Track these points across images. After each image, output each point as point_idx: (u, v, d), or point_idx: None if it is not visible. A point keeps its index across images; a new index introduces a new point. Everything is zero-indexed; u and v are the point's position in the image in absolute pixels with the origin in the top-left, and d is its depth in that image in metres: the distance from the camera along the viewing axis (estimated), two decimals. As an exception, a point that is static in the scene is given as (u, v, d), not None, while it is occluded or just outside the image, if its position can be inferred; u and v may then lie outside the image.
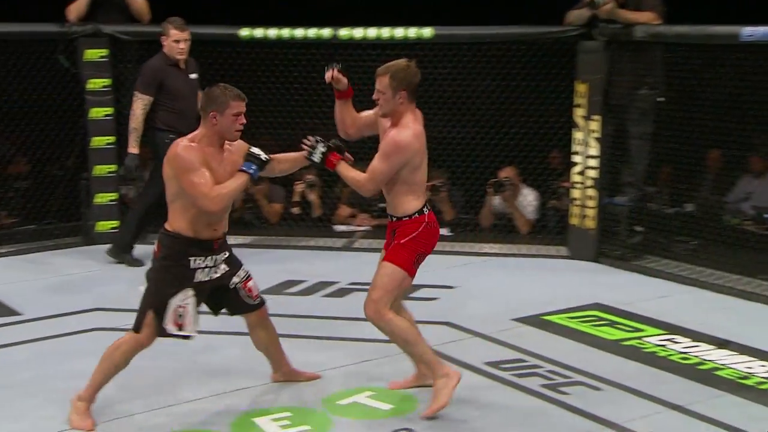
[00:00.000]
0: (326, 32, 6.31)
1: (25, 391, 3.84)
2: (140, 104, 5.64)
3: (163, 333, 3.42)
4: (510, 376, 4.04)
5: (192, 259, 3.43)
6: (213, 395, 3.78)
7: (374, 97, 3.50)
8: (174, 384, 3.89)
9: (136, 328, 3.43)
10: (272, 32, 6.33)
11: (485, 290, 5.44)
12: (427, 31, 6.21)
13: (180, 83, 5.69)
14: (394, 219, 3.57)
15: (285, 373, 3.88)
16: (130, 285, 5.59)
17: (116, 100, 6.44)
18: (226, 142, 3.45)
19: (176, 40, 5.61)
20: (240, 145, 3.50)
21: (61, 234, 6.62)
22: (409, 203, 3.53)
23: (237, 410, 3.65)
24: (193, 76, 5.79)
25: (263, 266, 5.95)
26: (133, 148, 5.72)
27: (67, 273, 5.80)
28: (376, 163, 3.45)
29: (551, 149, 6.66)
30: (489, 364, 4.17)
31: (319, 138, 3.58)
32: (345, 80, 3.65)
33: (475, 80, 6.52)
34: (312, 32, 6.33)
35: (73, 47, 6.35)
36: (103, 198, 6.44)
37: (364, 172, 3.53)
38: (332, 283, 5.59)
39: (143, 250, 5.82)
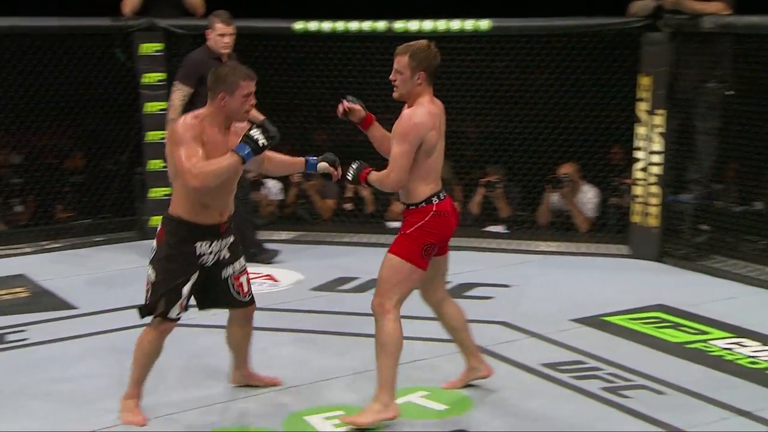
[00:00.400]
0: (381, 25, 6.25)
1: (79, 385, 3.85)
2: (179, 95, 5.60)
3: (167, 318, 3.35)
4: (568, 378, 3.92)
5: (198, 244, 3.33)
6: (263, 393, 3.74)
7: (391, 77, 3.38)
8: (222, 381, 3.85)
9: (152, 316, 3.35)
10: (326, 25, 6.30)
11: (542, 289, 5.33)
12: (484, 24, 6.10)
13: None
14: (405, 206, 3.47)
15: (245, 376, 3.76)
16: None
17: (169, 95, 6.48)
18: (234, 123, 3.34)
19: (221, 34, 5.56)
20: (246, 127, 3.36)
21: (115, 228, 6.69)
22: (419, 190, 3.39)
23: (289, 408, 3.61)
24: None
25: (315, 262, 5.97)
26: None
27: (121, 267, 5.85)
28: (395, 148, 3.33)
29: (612, 145, 6.51)
30: (546, 365, 4.06)
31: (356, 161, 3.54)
32: (359, 108, 3.55)
33: (534, 74, 6.41)
34: (367, 25, 6.28)
35: (128, 41, 6.42)
36: (157, 192, 6.48)
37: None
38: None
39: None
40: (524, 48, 6.27)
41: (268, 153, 3.45)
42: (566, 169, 6.43)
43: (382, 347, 3.37)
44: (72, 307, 4.98)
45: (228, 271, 3.47)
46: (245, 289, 3.52)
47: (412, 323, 4.60)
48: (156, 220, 6.51)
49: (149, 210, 6.51)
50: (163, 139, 6.49)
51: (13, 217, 7.17)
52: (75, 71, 6.48)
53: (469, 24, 6.11)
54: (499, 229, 6.76)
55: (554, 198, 6.56)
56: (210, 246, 3.36)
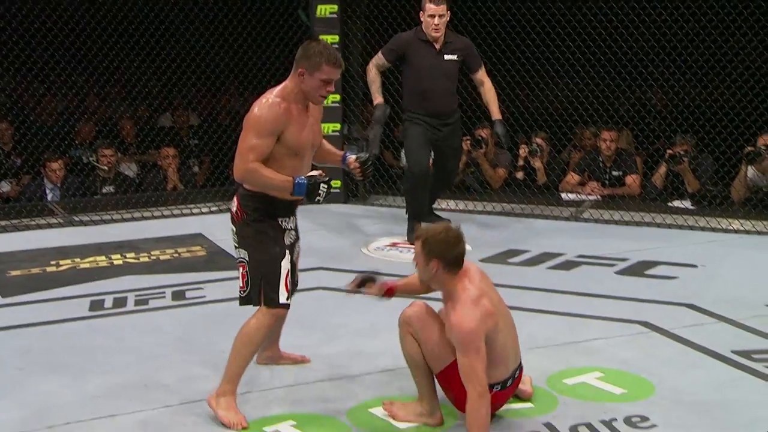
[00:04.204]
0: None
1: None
2: (373, 61, 5.58)
3: (275, 304, 3.22)
4: (763, 367, 3.69)
5: (280, 219, 3.24)
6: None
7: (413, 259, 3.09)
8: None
9: (257, 303, 3.24)
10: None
11: (734, 271, 5.06)
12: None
13: (426, 62, 5.41)
14: None
15: (272, 357, 3.69)
16: (353, 244, 5.81)
17: (344, 58, 6.62)
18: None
19: (431, 15, 5.29)
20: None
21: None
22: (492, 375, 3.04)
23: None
24: (451, 57, 5.44)
25: (485, 233, 5.96)
26: (377, 99, 5.56)
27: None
28: (462, 358, 2.92)
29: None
30: (737, 352, 3.85)
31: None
32: (377, 289, 3.31)
33: (735, 35, 6.03)
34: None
35: (306, 3, 6.62)
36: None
37: None
38: (558, 255, 5.44)
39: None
40: (726, 7, 5.92)
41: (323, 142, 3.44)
42: (766, 140, 6.04)
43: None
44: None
45: (296, 253, 3.38)
46: (298, 267, 3.48)
47: (589, 300, 4.53)
48: (336, 183, 6.73)
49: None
50: (334, 102, 6.69)
51: (191, 178, 7.62)
52: (254, 34, 6.76)
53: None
54: (685, 204, 6.48)
55: (751, 172, 6.18)
56: (289, 222, 3.28)
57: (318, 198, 3.19)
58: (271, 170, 3.14)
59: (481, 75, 5.57)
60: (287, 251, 3.24)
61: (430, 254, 2.98)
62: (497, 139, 5.63)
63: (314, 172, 3.24)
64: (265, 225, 3.22)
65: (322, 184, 3.19)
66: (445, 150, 5.66)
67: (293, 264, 3.34)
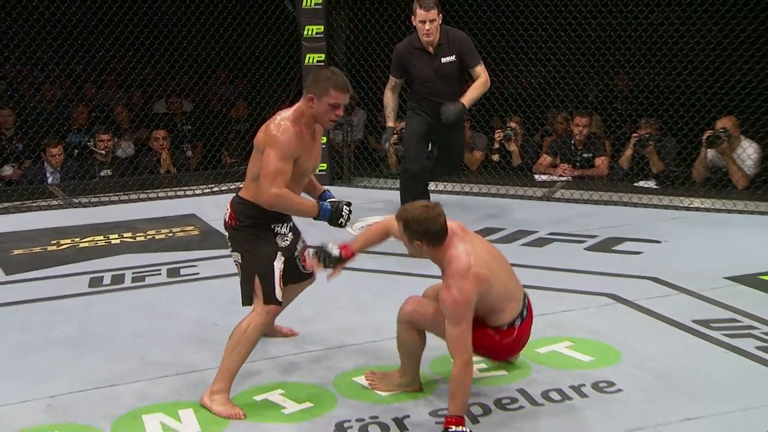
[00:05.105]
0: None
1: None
2: (388, 85, 5.39)
3: (271, 300, 3.16)
4: (721, 335, 3.72)
5: (273, 225, 3.21)
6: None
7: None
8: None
9: (250, 303, 3.20)
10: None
11: (695, 246, 5.08)
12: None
13: (424, 70, 5.19)
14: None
15: (267, 330, 3.53)
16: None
17: (329, 47, 6.59)
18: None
19: (421, 21, 5.02)
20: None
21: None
22: (498, 317, 3.10)
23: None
24: (448, 59, 5.16)
25: (463, 213, 5.95)
26: (388, 122, 5.42)
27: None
28: (451, 331, 2.88)
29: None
30: (698, 322, 3.87)
31: None
32: (341, 264, 3.25)
33: (695, 25, 6.03)
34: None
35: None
36: (314, 141, 6.63)
37: None
38: (531, 232, 5.44)
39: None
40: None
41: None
42: (724, 123, 6.04)
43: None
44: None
45: (297, 250, 3.37)
46: (307, 263, 3.43)
47: (560, 275, 4.55)
48: (322, 165, 6.69)
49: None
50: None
51: (185, 161, 7.57)
52: (243, 24, 6.70)
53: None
54: (650, 184, 6.49)
55: (711, 153, 6.19)
56: (281, 228, 3.25)
57: (341, 221, 3.21)
58: (297, 195, 3.15)
59: (479, 70, 5.21)
60: (279, 252, 3.21)
61: (413, 235, 2.94)
62: (443, 115, 5.18)
63: (344, 211, 3.21)
64: (257, 229, 3.19)
65: (345, 208, 3.21)
66: (446, 133, 5.39)
67: (296, 259, 3.35)
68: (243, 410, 3.08)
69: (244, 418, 3.06)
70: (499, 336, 3.14)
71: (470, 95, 5.18)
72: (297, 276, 3.45)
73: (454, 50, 5.15)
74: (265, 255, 3.18)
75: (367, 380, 3.30)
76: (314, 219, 3.20)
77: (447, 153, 5.58)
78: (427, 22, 4.99)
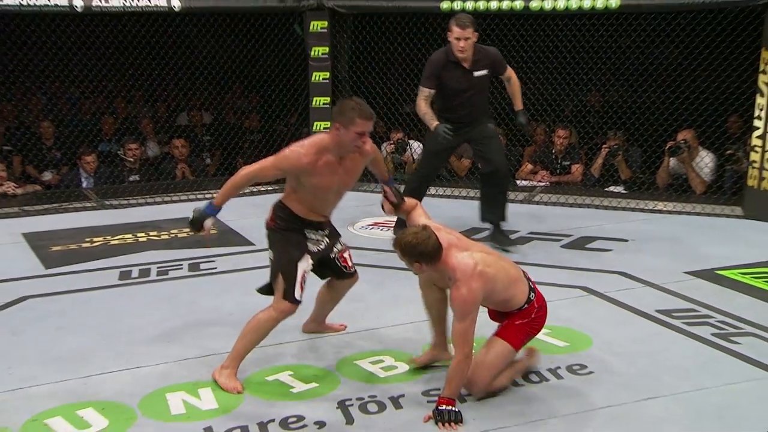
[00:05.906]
0: (518, 4, 6.06)
1: (259, 307, 4.04)
2: (421, 95, 4.88)
3: (290, 297, 3.14)
4: (681, 323, 3.74)
5: (306, 231, 3.23)
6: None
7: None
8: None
9: (268, 293, 3.21)
10: (469, 5, 6.16)
11: (659, 244, 5.08)
12: (613, 2, 5.79)
13: (455, 80, 4.86)
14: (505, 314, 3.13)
15: (318, 329, 3.67)
16: (339, 224, 5.78)
17: (333, 66, 6.59)
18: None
19: (457, 38, 4.74)
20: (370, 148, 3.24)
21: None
22: (515, 301, 3.07)
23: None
24: (480, 73, 4.88)
25: (452, 214, 5.95)
26: (432, 124, 4.85)
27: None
28: (457, 325, 2.87)
29: (730, 114, 6.08)
30: (661, 311, 3.89)
31: None
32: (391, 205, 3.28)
33: (659, 48, 6.05)
34: (505, 5, 6.10)
35: (301, 19, 6.55)
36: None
37: None
38: (513, 232, 5.45)
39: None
40: (651, 24, 5.93)
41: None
42: (685, 135, 6.07)
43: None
44: (251, 244, 5.20)
45: (334, 252, 3.37)
46: (349, 263, 3.44)
47: (540, 270, 4.56)
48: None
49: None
50: (325, 104, 6.65)
51: (204, 168, 7.57)
52: (257, 45, 6.70)
53: (600, 2, 5.80)
54: (619, 189, 6.51)
55: (672, 162, 6.21)
56: (315, 234, 3.26)
57: (196, 229, 3.35)
58: (234, 187, 3.19)
59: (509, 73, 4.99)
60: (308, 255, 3.20)
61: (411, 258, 2.91)
62: (520, 127, 5.07)
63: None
64: (290, 233, 3.20)
65: (195, 210, 3.32)
66: (480, 140, 5.01)
67: (335, 260, 3.37)
68: (242, 385, 3.12)
69: (241, 391, 3.08)
70: (529, 315, 3.08)
71: (519, 99, 5.07)
72: (340, 274, 3.46)
73: (487, 65, 4.94)
74: (292, 256, 3.17)
75: (415, 361, 3.32)
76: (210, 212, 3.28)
77: (492, 154, 5.11)
78: (462, 40, 4.72)
